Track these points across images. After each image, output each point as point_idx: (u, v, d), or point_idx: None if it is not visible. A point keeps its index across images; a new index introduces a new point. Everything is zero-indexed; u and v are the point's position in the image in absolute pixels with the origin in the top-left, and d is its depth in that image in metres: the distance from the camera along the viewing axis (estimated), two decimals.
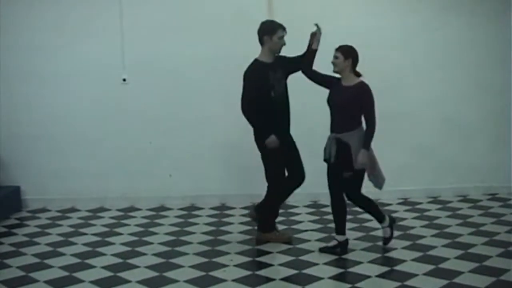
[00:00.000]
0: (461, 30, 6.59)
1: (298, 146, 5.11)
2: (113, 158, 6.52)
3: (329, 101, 4.74)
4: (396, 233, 5.29)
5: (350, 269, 4.43)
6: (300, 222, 5.78)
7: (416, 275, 4.26)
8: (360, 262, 4.57)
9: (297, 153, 5.09)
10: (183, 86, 6.48)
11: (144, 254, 4.87)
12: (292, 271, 4.42)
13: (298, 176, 5.08)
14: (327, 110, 4.78)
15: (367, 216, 5.89)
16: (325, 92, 4.81)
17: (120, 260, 4.71)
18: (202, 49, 6.40)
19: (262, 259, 4.71)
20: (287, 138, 5.04)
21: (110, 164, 6.52)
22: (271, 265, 4.57)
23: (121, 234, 5.47)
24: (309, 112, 6.01)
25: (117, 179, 6.53)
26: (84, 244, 5.15)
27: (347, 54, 4.72)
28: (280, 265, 4.56)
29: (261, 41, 4.97)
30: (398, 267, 4.43)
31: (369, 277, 4.26)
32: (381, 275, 4.28)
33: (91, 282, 4.25)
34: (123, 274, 4.39)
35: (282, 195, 5.16)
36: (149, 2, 6.42)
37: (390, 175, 6.56)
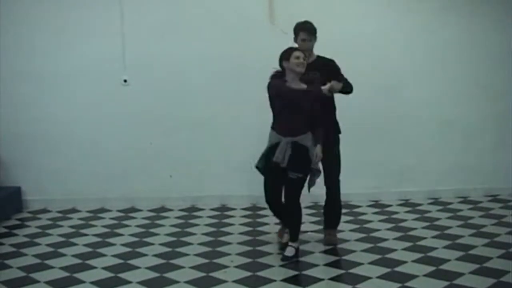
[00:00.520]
0: (461, 31, 6.59)
1: None
2: (114, 159, 6.52)
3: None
4: (396, 234, 5.31)
5: (351, 270, 4.43)
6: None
7: (417, 276, 4.26)
8: (361, 264, 4.56)
9: None
10: (183, 86, 6.48)
11: (145, 255, 4.87)
12: (293, 272, 4.42)
13: None
14: None
15: (367, 217, 5.91)
16: None
17: (120, 261, 4.71)
18: (202, 50, 6.40)
19: (262, 260, 4.70)
20: None
21: (110, 165, 6.52)
22: (271, 266, 4.57)
23: (121, 235, 5.47)
24: None
25: (117, 180, 6.53)
26: (85, 245, 5.15)
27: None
28: (281, 266, 4.56)
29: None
30: (398, 269, 4.43)
31: (369, 278, 4.26)
32: (382, 277, 4.28)
33: (92, 282, 4.25)
34: (124, 275, 4.39)
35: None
36: (150, 2, 6.42)
37: (390, 176, 6.64)
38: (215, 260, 4.70)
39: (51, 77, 6.42)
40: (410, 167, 6.63)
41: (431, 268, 4.40)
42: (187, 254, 4.86)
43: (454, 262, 4.54)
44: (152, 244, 5.17)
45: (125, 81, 6.44)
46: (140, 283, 4.23)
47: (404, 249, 4.89)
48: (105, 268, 4.54)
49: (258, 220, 5.89)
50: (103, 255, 4.88)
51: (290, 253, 4.68)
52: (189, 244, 5.15)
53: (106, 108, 6.46)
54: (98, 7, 6.37)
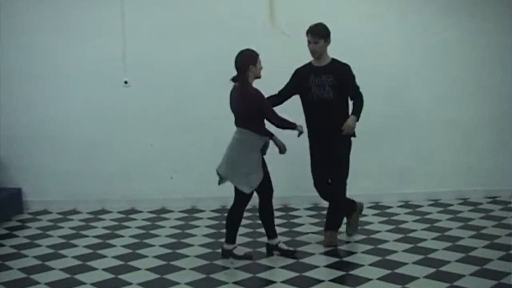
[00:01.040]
0: (462, 32, 6.60)
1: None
2: (114, 160, 6.52)
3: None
4: (397, 236, 5.31)
5: (351, 272, 4.43)
6: (301, 224, 5.79)
7: (417, 278, 4.26)
8: (361, 265, 4.57)
9: None
10: (184, 88, 6.49)
11: (145, 256, 4.87)
12: (293, 274, 4.42)
13: None
14: None
15: (368, 219, 5.91)
16: None
17: (121, 262, 4.72)
18: (203, 51, 6.41)
19: (263, 261, 4.70)
20: None
21: (111, 166, 6.52)
22: (272, 267, 4.57)
23: (122, 236, 5.47)
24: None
25: (118, 181, 6.53)
26: (85, 246, 5.15)
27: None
28: (281, 267, 4.56)
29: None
30: (399, 270, 4.43)
31: (370, 280, 4.26)
32: (382, 278, 4.28)
33: (92, 284, 4.25)
34: (124, 276, 4.39)
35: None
36: (151, 4, 6.42)
37: (390, 178, 6.64)
38: (215, 262, 4.71)
39: (51, 78, 6.43)
40: (410, 168, 6.64)
41: (431, 270, 4.40)
42: (187, 256, 4.86)
43: (455, 263, 4.54)
44: (153, 245, 5.17)
45: (125, 82, 6.45)
46: (140, 284, 4.24)
47: (405, 250, 4.89)
48: (105, 270, 4.54)
49: (258, 221, 5.88)
50: (104, 256, 4.88)
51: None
52: (190, 245, 5.16)
53: (107, 110, 6.46)
54: (98, 8, 6.38)
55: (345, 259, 4.74)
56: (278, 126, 4.74)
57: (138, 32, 6.40)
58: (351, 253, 4.87)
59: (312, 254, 4.87)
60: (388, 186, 6.64)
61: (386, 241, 5.16)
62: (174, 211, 6.37)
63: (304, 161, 5.23)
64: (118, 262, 4.72)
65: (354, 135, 5.06)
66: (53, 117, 6.45)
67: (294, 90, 5.13)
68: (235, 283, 4.25)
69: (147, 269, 4.54)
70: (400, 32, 6.55)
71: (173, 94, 6.48)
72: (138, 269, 4.56)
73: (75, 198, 6.51)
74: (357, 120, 4.95)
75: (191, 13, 6.43)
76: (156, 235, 5.48)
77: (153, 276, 4.41)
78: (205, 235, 5.45)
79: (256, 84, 4.72)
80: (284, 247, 4.85)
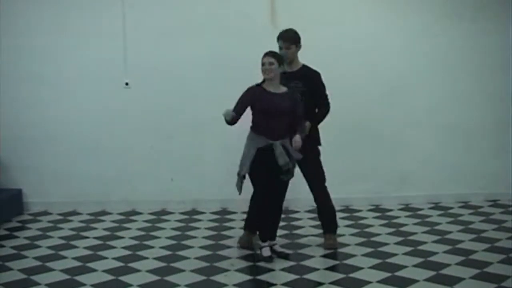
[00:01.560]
0: (463, 36, 6.61)
1: None
2: (115, 162, 6.52)
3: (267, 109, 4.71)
4: (397, 239, 5.30)
5: (351, 275, 4.43)
6: (301, 227, 5.79)
7: (417, 281, 4.26)
8: (361, 268, 4.57)
9: None
10: (185, 89, 6.49)
11: (145, 258, 4.87)
12: (293, 276, 4.42)
13: None
14: None
15: (368, 221, 5.91)
16: None
17: (121, 264, 4.71)
18: (204, 53, 6.41)
19: (263, 264, 4.70)
20: None
21: (111, 168, 6.52)
22: (272, 270, 4.57)
23: (122, 237, 5.47)
24: None
25: (118, 182, 6.53)
26: (86, 248, 5.15)
27: (281, 60, 4.74)
28: (281, 270, 4.56)
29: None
30: (399, 273, 4.43)
31: (370, 282, 4.26)
32: (382, 281, 4.28)
33: (92, 285, 4.25)
34: (124, 278, 4.39)
35: None
36: (152, 5, 6.43)
37: (391, 181, 6.64)
38: (215, 264, 4.70)
39: (52, 79, 6.42)
40: (410, 171, 6.64)
41: (431, 273, 4.40)
42: (187, 257, 4.86)
43: (455, 267, 4.54)
44: (153, 247, 5.17)
45: (126, 84, 6.45)
46: (140, 286, 4.24)
47: (405, 253, 4.89)
48: (105, 271, 4.54)
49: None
50: (104, 258, 4.88)
51: (267, 253, 4.77)
52: (190, 247, 5.15)
53: (107, 111, 6.46)
54: (99, 10, 6.38)
55: (345, 261, 4.74)
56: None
57: (139, 33, 6.40)
58: (351, 255, 4.87)
59: (312, 256, 4.87)
60: (389, 189, 6.64)
61: (386, 244, 5.16)
62: (175, 212, 6.37)
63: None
64: (118, 264, 4.72)
65: (319, 144, 5.08)
66: (53, 118, 6.44)
67: None
68: (235, 285, 4.25)
69: (148, 271, 4.54)
70: (400, 35, 6.55)
71: (174, 96, 6.48)
72: (138, 270, 4.56)
73: (76, 199, 6.51)
74: (316, 125, 4.97)
75: (192, 15, 6.43)
76: (157, 237, 5.48)
77: (153, 277, 4.40)
78: (206, 237, 5.45)
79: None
80: (279, 249, 4.90)
